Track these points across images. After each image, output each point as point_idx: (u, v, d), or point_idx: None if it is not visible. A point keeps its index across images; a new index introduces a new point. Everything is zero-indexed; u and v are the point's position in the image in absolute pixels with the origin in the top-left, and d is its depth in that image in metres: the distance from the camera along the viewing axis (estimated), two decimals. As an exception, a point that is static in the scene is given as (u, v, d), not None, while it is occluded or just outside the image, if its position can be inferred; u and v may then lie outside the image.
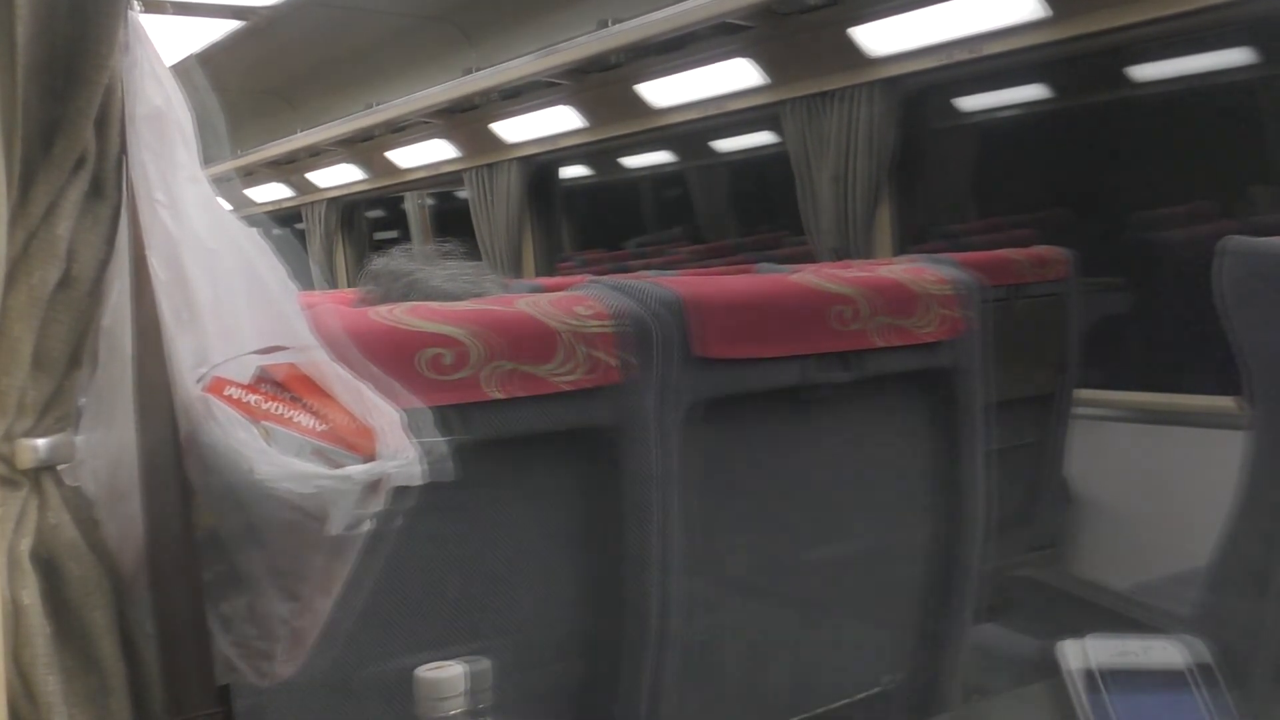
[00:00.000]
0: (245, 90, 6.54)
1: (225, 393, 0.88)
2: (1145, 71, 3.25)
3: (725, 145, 4.85)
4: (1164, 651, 1.11)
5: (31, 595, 0.83)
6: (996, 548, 1.87)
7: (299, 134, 6.41)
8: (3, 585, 0.81)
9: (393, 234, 7.40)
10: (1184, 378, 2.93)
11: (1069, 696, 1.09)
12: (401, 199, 6.95)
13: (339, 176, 6.80)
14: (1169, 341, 3.27)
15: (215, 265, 0.92)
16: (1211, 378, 2.71)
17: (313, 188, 7.16)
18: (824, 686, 1.75)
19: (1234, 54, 2.98)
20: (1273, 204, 2.90)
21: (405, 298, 1.52)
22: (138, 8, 0.89)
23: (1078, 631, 1.16)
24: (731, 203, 5.06)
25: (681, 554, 1.51)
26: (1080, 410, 2.84)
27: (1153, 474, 2.91)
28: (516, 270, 5.26)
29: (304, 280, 1.02)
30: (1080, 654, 1.11)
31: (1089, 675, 1.09)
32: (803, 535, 1.70)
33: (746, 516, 1.64)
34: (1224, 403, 2.61)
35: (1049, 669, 1.12)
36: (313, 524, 0.87)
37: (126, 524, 0.90)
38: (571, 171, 5.63)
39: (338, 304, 1.48)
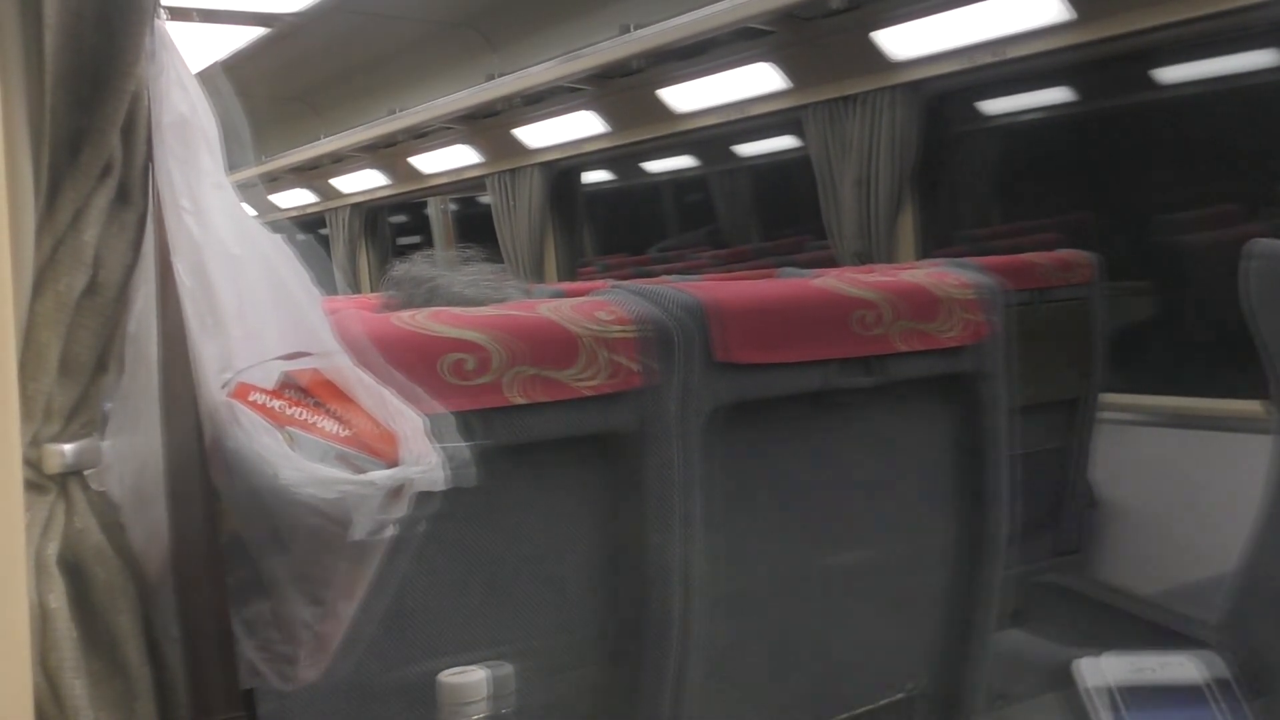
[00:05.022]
0: (270, 97, 6.58)
1: (250, 398, 0.89)
2: (1169, 74, 3.23)
3: (747, 150, 4.84)
4: (1181, 667, 1.10)
5: (58, 599, 0.84)
6: (1021, 553, 1.86)
7: (323, 140, 6.44)
8: (30, 589, 0.82)
9: (416, 239, 7.42)
10: (1210, 381, 2.90)
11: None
12: (424, 204, 6.97)
13: (362, 182, 6.83)
14: (1195, 345, 3.24)
15: (240, 271, 0.92)
16: (1238, 381, 2.69)
17: (336, 193, 7.19)
18: (847, 692, 1.74)
19: (1262, 55, 2.96)
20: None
21: (427, 303, 1.52)
22: (164, 16, 0.90)
23: (1102, 637, 1.16)
24: (753, 207, 5.06)
25: (704, 558, 1.51)
26: (1105, 414, 2.82)
27: (1178, 478, 2.89)
28: (539, 275, 5.27)
29: (328, 286, 1.02)
30: (1097, 671, 1.10)
31: (1106, 693, 1.08)
32: (825, 540, 1.70)
33: (768, 521, 1.64)
34: (1251, 406, 2.59)
35: (1070, 678, 1.11)
36: (336, 529, 0.88)
37: (152, 528, 0.90)
38: (593, 176, 5.64)
39: (361, 309, 1.48)
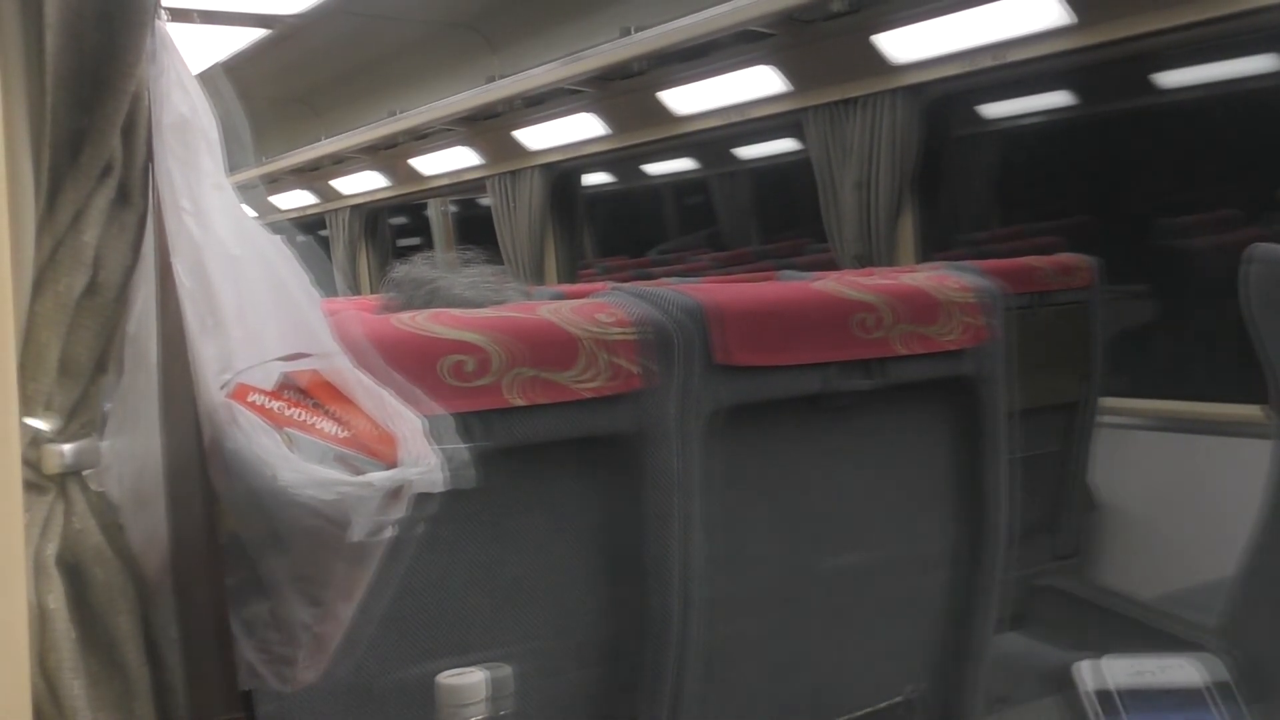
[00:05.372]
0: (270, 98, 6.58)
1: (249, 399, 0.89)
2: (1170, 78, 3.23)
3: (748, 152, 4.84)
4: (1181, 670, 1.10)
5: (57, 600, 0.84)
6: (1020, 557, 1.85)
7: (323, 141, 6.44)
8: (29, 590, 0.82)
9: (416, 240, 7.42)
10: (1209, 385, 2.90)
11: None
12: (424, 206, 6.97)
13: (363, 183, 6.83)
14: (1194, 349, 3.24)
15: (240, 272, 0.92)
16: (1237, 385, 2.69)
17: (336, 194, 7.19)
18: (846, 695, 1.74)
19: (1262, 60, 2.96)
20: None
21: (428, 305, 1.52)
22: (165, 17, 0.90)
23: (1101, 642, 1.16)
24: (754, 210, 5.06)
25: (702, 561, 1.51)
26: (1104, 418, 2.82)
27: (1177, 482, 2.89)
28: (539, 277, 5.27)
29: (327, 287, 1.02)
30: (1097, 674, 1.10)
31: (1106, 696, 1.08)
32: (824, 543, 1.70)
33: (767, 524, 1.64)
34: (1250, 411, 2.59)
35: (1070, 681, 1.11)
36: (335, 530, 0.88)
37: (151, 529, 0.90)
38: (594, 179, 5.64)
39: (361, 311, 1.48)
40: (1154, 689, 1.08)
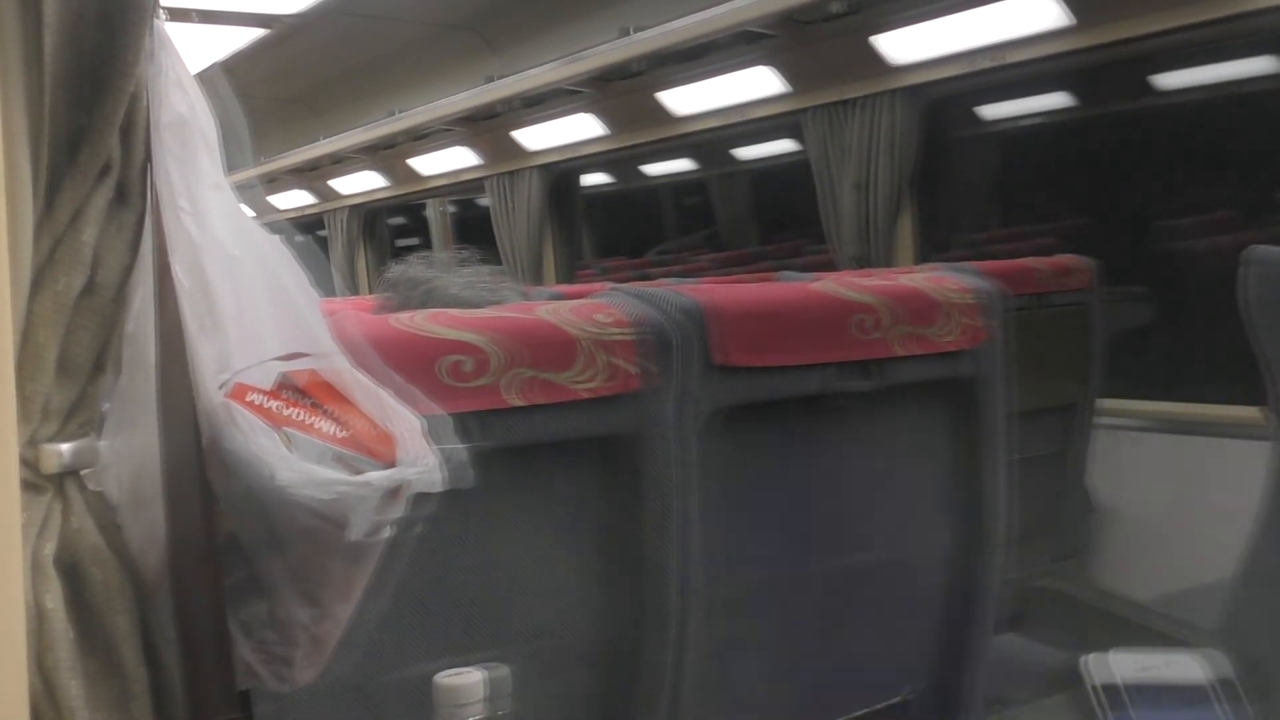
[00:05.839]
0: (269, 98, 6.58)
1: (247, 399, 0.89)
2: (1168, 80, 3.23)
3: (746, 153, 4.84)
4: (1186, 666, 1.11)
5: (55, 600, 0.83)
6: (1018, 558, 1.85)
7: (322, 141, 6.44)
8: (26, 590, 0.82)
9: (414, 241, 7.42)
10: (1207, 388, 2.90)
11: (1090, 709, 1.08)
12: (423, 206, 6.97)
13: (361, 183, 6.83)
14: (1192, 351, 3.24)
15: (238, 272, 0.92)
16: (1235, 387, 2.69)
17: (335, 194, 7.19)
18: (845, 695, 1.74)
19: (1260, 62, 2.96)
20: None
21: (423, 305, 1.52)
22: (163, 16, 0.90)
23: (1100, 643, 1.16)
24: (752, 211, 5.06)
25: (700, 561, 1.51)
26: (1103, 420, 2.82)
27: (1176, 484, 2.89)
28: (537, 277, 5.27)
29: (326, 287, 1.02)
30: (1104, 668, 1.11)
31: (1113, 689, 1.08)
32: (823, 544, 1.70)
33: (765, 525, 1.64)
34: (1249, 413, 2.59)
35: (1070, 681, 1.11)
36: (333, 530, 0.88)
37: (149, 529, 0.90)
38: (592, 179, 5.64)
39: (359, 311, 1.48)
40: (1159, 684, 1.09)
